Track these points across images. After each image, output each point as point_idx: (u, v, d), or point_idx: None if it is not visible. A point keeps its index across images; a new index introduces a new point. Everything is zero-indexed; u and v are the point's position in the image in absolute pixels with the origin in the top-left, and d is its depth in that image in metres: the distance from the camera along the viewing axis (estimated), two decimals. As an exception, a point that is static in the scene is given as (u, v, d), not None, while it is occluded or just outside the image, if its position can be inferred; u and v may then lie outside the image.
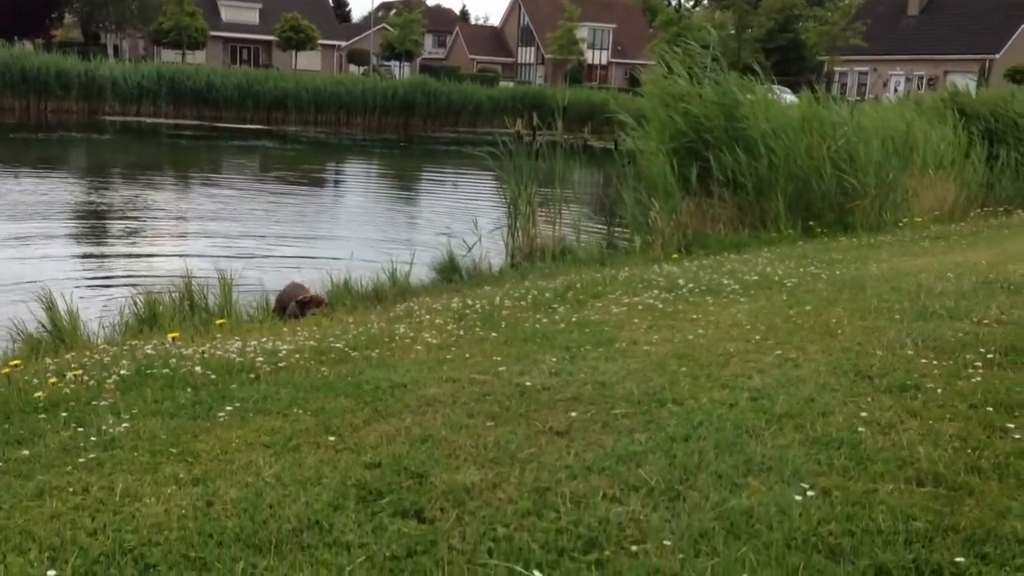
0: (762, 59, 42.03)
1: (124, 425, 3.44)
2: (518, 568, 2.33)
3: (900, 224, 11.09)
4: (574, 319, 5.41)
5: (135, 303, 7.74)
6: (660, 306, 5.72)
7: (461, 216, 12.44)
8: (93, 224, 15.58)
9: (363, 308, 7.71)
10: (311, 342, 5.01)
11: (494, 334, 5.09)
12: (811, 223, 11.04)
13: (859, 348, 4.47)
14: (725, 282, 6.48)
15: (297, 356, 4.60)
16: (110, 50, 56.74)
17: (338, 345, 4.83)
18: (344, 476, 2.93)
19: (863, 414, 3.47)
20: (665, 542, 2.48)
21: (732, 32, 55.38)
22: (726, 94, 11.92)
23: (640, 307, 5.72)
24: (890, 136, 12.42)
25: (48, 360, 5.07)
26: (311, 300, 7.39)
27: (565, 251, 11.25)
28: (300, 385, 4.04)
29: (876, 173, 11.61)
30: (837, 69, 57.20)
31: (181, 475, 2.95)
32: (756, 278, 6.61)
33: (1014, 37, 55.16)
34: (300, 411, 3.64)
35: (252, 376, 4.23)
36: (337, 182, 26.21)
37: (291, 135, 37.81)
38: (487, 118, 44.78)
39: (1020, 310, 5.23)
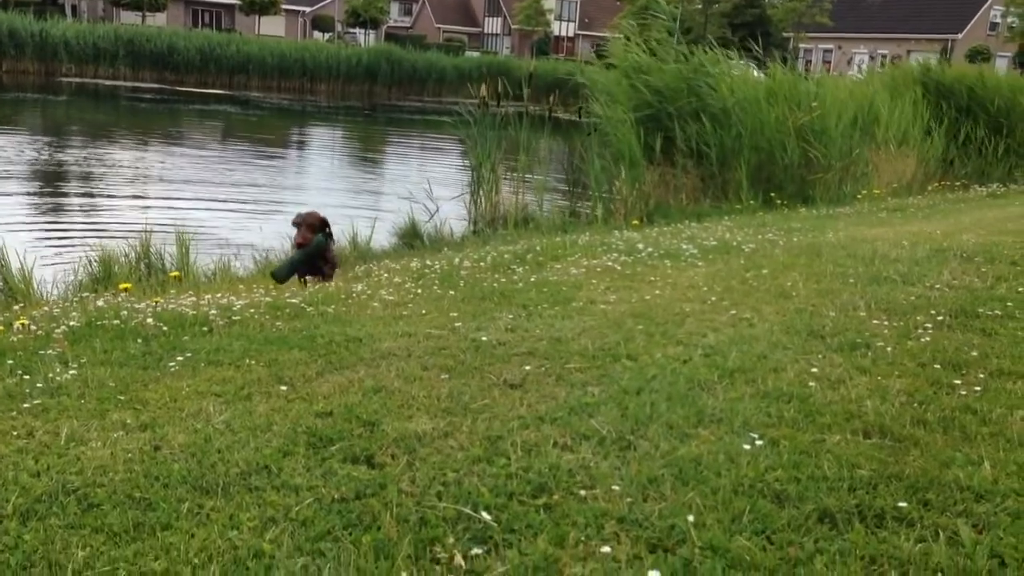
0: (728, 34, 42.10)
1: (72, 373, 3.39)
2: (466, 510, 2.33)
3: (859, 196, 11.22)
4: (532, 279, 5.41)
5: (90, 262, 7.62)
6: (619, 268, 5.74)
7: (424, 183, 12.37)
8: (47, 184, 15.26)
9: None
10: (267, 298, 4.95)
11: (452, 292, 5.08)
12: (772, 195, 11.14)
13: (813, 309, 4.52)
14: (684, 247, 6.51)
15: (252, 311, 4.55)
16: (68, 11, 55.38)
17: (294, 301, 4.78)
18: (295, 424, 2.91)
19: (814, 370, 3.51)
20: (614, 487, 2.49)
21: (699, 7, 55.42)
22: (693, 67, 11.96)
23: (599, 269, 5.73)
24: (856, 110, 12.53)
25: (-3, 313, 4.96)
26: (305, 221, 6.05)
27: (527, 219, 11.26)
28: (254, 338, 4.00)
29: (840, 146, 11.74)
30: (802, 46, 57.53)
31: (129, 421, 2.91)
32: (715, 243, 6.65)
33: (975, 19, 55.90)
34: (252, 362, 3.60)
35: (205, 329, 4.17)
36: (300, 148, 25.89)
37: (254, 101, 37.26)
38: (452, 87, 44.54)
39: (971, 276, 5.32)
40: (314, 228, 5.99)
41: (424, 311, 4.59)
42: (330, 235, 6.15)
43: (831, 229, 7.73)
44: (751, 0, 56.03)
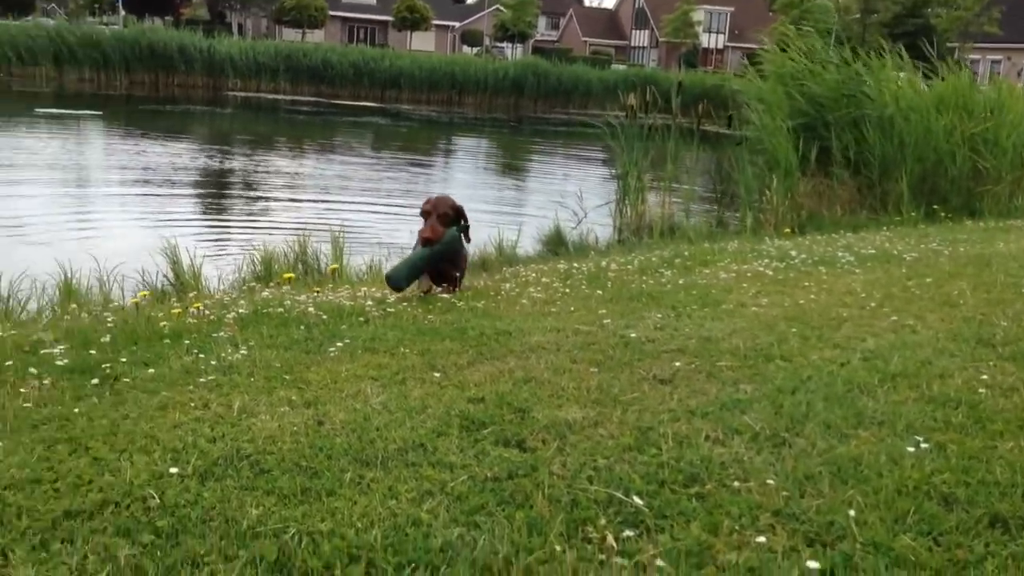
0: (888, 44, 40.43)
1: (242, 353, 3.59)
2: (618, 495, 2.34)
3: (1031, 210, 10.56)
4: (681, 282, 5.36)
5: (252, 260, 8.05)
6: (770, 273, 5.61)
7: (569, 192, 12.42)
8: (214, 188, 16.21)
9: (470, 274, 7.80)
10: (419, 293, 5.10)
11: (599, 292, 5.09)
12: (935, 207, 10.62)
13: (982, 318, 4.29)
14: (840, 255, 6.30)
15: (405, 304, 4.70)
16: (235, 28, 58.75)
17: (445, 295, 4.90)
18: (448, 408, 2.98)
19: (984, 377, 3.34)
20: (768, 481, 2.44)
21: (857, 16, 53.49)
22: (852, 73, 11.57)
23: (749, 274, 5.62)
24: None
25: (173, 301, 5.31)
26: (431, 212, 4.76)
27: (673, 228, 11.13)
28: (407, 329, 4.13)
29: (1012, 158, 11.10)
30: (969, 56, 54.55)
31: (294, 398, 3.07)
32: (873, 252, 6.41)
33: None
34: (406, 351, 3.72)
35: (361, 319, 4.34)
36: (447, 157, 26.51)
37: (404, 113, 38.42)
38: (598, 100, 44.55)
39: None
40: (447, 219, 4.71)
41: (572, 308, 4.62)
42: (466, 229, 4.84)
43: (1001, 240, 7.32)
44: (913, 9, 53.63)
